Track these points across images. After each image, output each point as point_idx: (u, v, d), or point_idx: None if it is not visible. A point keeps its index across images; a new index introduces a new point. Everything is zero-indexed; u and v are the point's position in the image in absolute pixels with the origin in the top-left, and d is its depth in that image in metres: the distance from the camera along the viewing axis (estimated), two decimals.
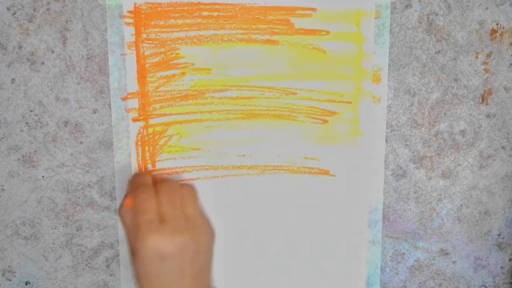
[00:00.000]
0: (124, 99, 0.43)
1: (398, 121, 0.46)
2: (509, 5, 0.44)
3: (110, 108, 0.43)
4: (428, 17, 0.44)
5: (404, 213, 0.47)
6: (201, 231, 0.38)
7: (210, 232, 0.39)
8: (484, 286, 0.49)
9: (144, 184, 0.39)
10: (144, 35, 0.42)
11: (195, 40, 0.43)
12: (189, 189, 0.39)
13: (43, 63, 0.42)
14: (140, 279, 0.36)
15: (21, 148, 0.44)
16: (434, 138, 0.46)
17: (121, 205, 0.38)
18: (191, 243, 0.36)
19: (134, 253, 0.36)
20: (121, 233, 0.45)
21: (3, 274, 0.46)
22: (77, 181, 0.44)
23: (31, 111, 0.43)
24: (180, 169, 0.45)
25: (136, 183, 0.40)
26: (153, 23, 0.42)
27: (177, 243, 0.35)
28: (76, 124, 0.44)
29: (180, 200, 0.38)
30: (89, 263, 0.46)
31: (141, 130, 0.44)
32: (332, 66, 0.44)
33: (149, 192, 0.38)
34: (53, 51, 0.42)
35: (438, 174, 0.47)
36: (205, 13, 0.42)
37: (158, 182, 0.40)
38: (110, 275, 0.46)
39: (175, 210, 0.37)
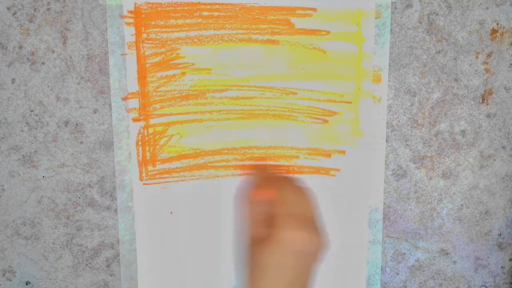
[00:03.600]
0: (124, 99, 0.43)
1: (399, 121, 0.46)
2: (510, 5, 0.44)
3: (111, 108, 0.43)
4: (428, 17, 0.44)
5: (405, 213, 0.47)
6: (327, 238, 0.38)
7: (328, 243, 0.39)
8: (484, 286, 0.49)
9: (283, 179, 0.41)
10: (144, 35, 0.42)
11: (195, 40, 0.43)
12: (311, 193, 0.40)
13: (43, 63, 0.42)
14: (262, 270, 0.36)
15: (21, 148, 0.44)
16: (434, 138, 0.46)
17: (255, 195, 0.39)
18: (320, 247, 0.37)
19: (264, 241, 0.37)
20: (121, 233, 0.45)
21: (3, 274, 0.46)
22: (78, 181, 0.44)
23: (32, 111, 0.43)
24: (180, 169, 0.45)
25: (274, 176, 0.42)
26: (153, 23, 0.42)
27: (314, 243, 0.36)
28: (77, 124, 0.44)
29: (309, 203, 0.39)
30: (90, 263, 0.46)
31: (142, 130, 0.44)
32: (332, 66, 0.44)
33: (291, 189, 0.39)
34: (53, 51, 0.42)
35: (439, 174, 0.47)
36: (205, 13, 0.42)
37: (288, 180, 0.41)
38: (111, 275, 0.46)
39: (309, 211, 0.38)
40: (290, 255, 0.36)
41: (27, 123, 0.43)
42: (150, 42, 0.42)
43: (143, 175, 0.44)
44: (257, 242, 0.38)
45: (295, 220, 0.36)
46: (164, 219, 0.45)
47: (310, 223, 0.37)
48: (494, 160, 0.47)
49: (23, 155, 0.44)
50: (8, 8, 0.41)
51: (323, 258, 0.38)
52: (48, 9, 0.42)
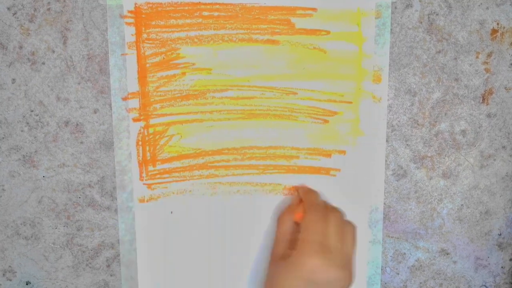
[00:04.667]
0: (124, 99, 0.43)
1: (399, 121, 0.46)
2: (510, 4, 0.44)
3: (111, 108, 0.43)
4: (428, 17, 0.44)
5: (405, 213, 0.47)
6: (352, 275, 0.37)
7: (353, 280, 0.38)
8: (484, 286, 0.49)
9: (318, 205, 0.40)
10: (144, 35, 0.42)
11: (195, 40, 0.43)
12: (352, 229, 0.39)
13: (43, 63, 0.42)
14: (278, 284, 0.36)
15: (21, 148, 0.44)
16: (434, 138, 0.46)
17: (286, 214, 0.40)
18: (339, 282, 0.36)
19: (282, 261, 0.37)
20: (121, 233, 0.45)
21: (3, 274, 0.46)
22: (78, 181, 0.44)
23: (32, 111, 0.43)
24: (180, 169, 0.45)
25: (310, 200, 0.41)
26: (153, 23, 0.42)
27: (332, 275, 0.36)
28: (77, 124, 0.44)
29: (343, 236, 0.38)
30: (90, 263, 0.46)
31: (142, 130, 0.44)
32: (333, 66, 0.44)
33: (323, 216, 0.38)
34: (53, 51, 0.42)
35: (439, 174, 0.47)
36: (205, 13, 0.42)
37: (326, 208, 0.40)
38: (111, 275, 0.46)
39: (339, 243, 0.37)
40: (302, 280, 0.35)
41: (27, 123, 0.43)
42: (150, 42, 0.42)
43: (143, 175, 0.44)
44: (278, 260, 0.38)
45: (318, 247, 0.36)
46: (164, 219, 0.45)
47: (337, 257, 0.36)
48: (494, 160, 0.47)
49: (23, 155, 0.44)
50: (8, 8, 0.41)
51: None
52: (48, 9, 0.42)
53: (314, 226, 0.37)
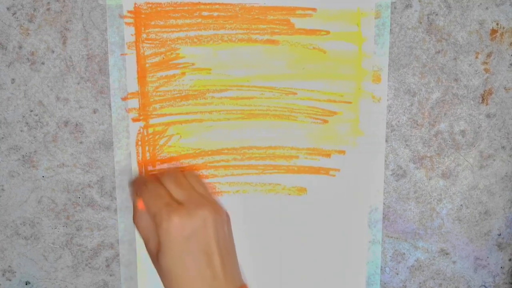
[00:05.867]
0: (124, 99, 0.43)
1: (398, 121, 0.46)
2: (509, 5, 0.44)
3: (110, 108, 0.43)
4: (428, 17, 0.44)
5: (404, 213, 0.47)
6: (217, 205, 0.38)
7: (224, 210, 0.39)
8: (484, 286, 0.49)
9: (148, 180, 0.40)
10: (144, 35, 0.42)
11: (195, 40, 0.43)
12: (192, 173, 0.40)
13: (43, 63, 0.42)
14: (171, 271, 0.35)
15: (21, 148, 0.44)
16: (434, 138, 0.46)
17: (135, 212, 0.38)
18: (211, 215, 0.36)
19: (158, 249, 0.36)
20: (121, 233, 0.45)
21: (3, 274, 0.46)
22: (77, 181, 0.44)
23: (31, 111, 0.43)
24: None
25: (140, 183, 0.40)
26: (153, 23, 0.42)
27: (199, 217, 0.35)
28: (76, 124, 0.44)
29: (188, 183, 0.39)
30: (89, 263, 0.46)
31: (141, 130, 0.44)
32: (332, 66, 0.44)
33: (155, 183, 0.38)
34: (53, 51, 0.42)
35: (438, 174, 0.47)
36: (205, 13, 0.42)
37: (160, 176, 0.40)
38: (110, 275, 0.46)
39: (186, 190, 0.38)
40: (182, 243, 0.35)
41: (27, 123, 0.43)
42: (150, 42, 0.42)
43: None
44: (156, 252, 0.36)
45: (169, 209, 0.35)
46: None
47: (193, 200, 0.36)
48: (494, 160, 0.47)
49: (23, 155, 0.44)
50: (8, 8, 0.41)
51: (223, 227, 0.37)
52: (48, 9, 0.42)
53: (152, 197, 0.37)
